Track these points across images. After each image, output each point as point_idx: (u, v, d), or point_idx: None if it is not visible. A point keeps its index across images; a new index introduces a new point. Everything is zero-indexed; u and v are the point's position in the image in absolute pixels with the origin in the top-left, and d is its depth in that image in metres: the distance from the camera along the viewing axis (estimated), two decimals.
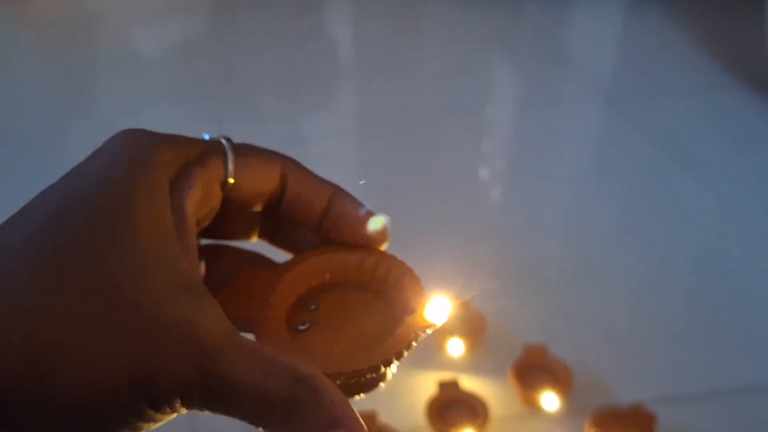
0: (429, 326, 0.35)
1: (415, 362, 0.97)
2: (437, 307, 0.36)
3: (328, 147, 1.47)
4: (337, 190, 0.34)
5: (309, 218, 0.33)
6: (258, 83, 1.72)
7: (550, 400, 0.88)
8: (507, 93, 1.83)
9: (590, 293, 1.11)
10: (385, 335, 0.34)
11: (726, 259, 1.19)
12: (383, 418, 0.85)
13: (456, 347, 0.97)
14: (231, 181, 0.30)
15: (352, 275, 0.34)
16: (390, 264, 0.36)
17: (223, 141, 0.31)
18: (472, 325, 1.00)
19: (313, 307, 0.34)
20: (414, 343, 0.34)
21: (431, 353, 0.99)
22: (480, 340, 0.99)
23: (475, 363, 0.97)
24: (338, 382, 0.30)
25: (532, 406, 0.90)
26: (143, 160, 0.27)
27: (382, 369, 0.34)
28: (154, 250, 0.25)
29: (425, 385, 0.91)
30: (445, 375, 0.92)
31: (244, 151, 0.31)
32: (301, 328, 0.33)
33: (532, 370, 0.94)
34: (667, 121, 1.59)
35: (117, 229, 0.25)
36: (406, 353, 0.34)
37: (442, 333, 0.98)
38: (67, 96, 1.66)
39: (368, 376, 0.33)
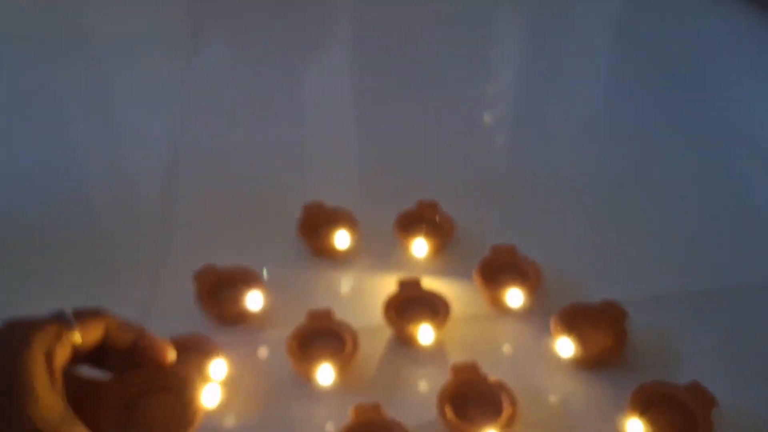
0: (203, 410, 0.53)
1: (377, 264, 0.92)
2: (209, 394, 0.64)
3: (326, 86, 1.42)
4: (142, 331, 0.53)
5: (123, 350, 0.52)
6: (252, 21, 1.65)
7: (515, 298, 0.83)
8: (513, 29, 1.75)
9: (563, 199, 1.07)
10: (176, 419, 0.52)
11: (698, 165, 1.14)
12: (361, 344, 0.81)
13: (420, 248, 0.92)
14: (78, 340, 0.48)
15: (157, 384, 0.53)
16: (176, 371, 0.54)
17: (69, 313, 0.49)
18: (440, 227, 0.95)
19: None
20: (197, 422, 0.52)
21: (396, 255, 0.94)
22: (447, 242, 0.94)
23: (441, 265, 0.93)
24: None
25: (498, 306, 0.85)
26: (23, 342, 0.44)
27: None
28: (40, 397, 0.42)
29: (387, 286, 0.86)
30: (409, 275, 0.87)
31: (79, 317, 0.49)
32: None
33: (499, 269, 0.89)
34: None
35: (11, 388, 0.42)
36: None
37: (408, 235, 0.93)
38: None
39: None
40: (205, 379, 0.73)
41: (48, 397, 0.43)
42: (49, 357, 0.45)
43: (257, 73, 1.46)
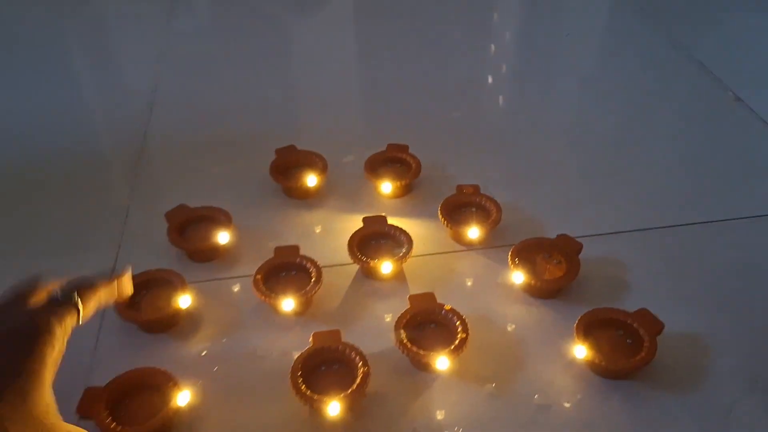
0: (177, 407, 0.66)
1: (347, 205, 0.95)
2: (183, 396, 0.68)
3: (301, 39, 1.43)
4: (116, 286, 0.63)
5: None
6: None
7: (476, 233, 0.86)
8: None
9: (524, 146, 1.10)
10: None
11: (650, 113, 1.17)
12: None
13: (388, 189, 0.95)
14: (79, 323, 0.55)
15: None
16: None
17: (75, 297, 0.56)
18: (407, 169, 0.97)
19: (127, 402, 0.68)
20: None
21: (365, 197, 0.97)
22: (414, 183, 0.97)
23: (407, 205, 0.96)
24: None
25: (460, 241, 0.88)
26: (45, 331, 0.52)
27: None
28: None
29: (354, 225, 0.89)
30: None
31: (82, 296, 0.57)
32: None
33: (462, 207, 0.91)
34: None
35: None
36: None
37: (376, 176, 0.96)
38: None
39: None
40: (175, 308, 0.77)
41: (49, 389, 0.49)
42: (60, 348, 0.51)
43: (236, 27, 1.47)
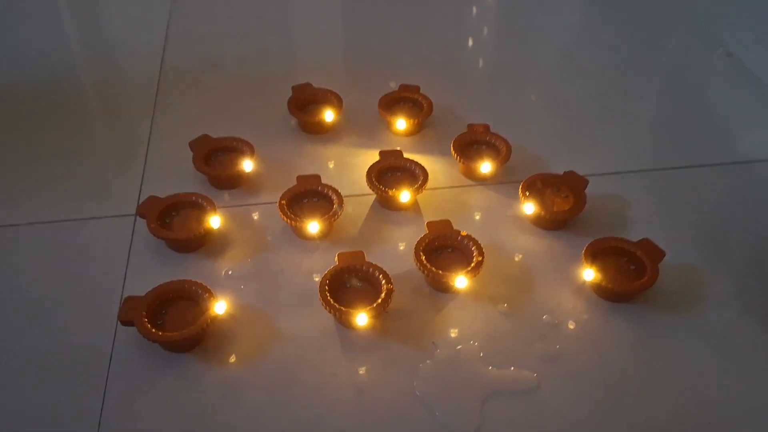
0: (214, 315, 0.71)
1: (362, 141, 0.99)
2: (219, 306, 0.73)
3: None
4: None
5: None
6: None
7: (487, 168, 0.90)
8: None
9: (533, 87, 1.14)
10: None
11: (656, 59, 1.21)
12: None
13: (401, 126, 0.98)
14: None
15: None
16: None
17: None
18: (420, 107, 1.01)
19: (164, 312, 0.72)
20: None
21: (379, 133, 1.00)
22: (426, 121, 1.01)
23: (420, 142, 0.99)
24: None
25: (472, 176, 0.93)
26: None
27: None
28: None
29: (370, 159, 0.92)
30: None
31: None
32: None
33: (473, 144, 0.96)
34: None
35: None
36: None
37: (390, 114, 0.99)
38: None
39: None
40: (205, 228, 0.80)
41: None
42: None
43: None
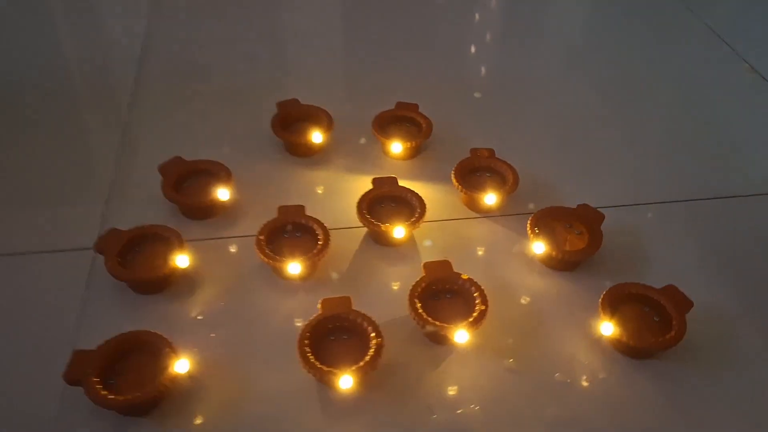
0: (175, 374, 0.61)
1: (353, 165, 0.89)
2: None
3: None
4: None
5: None
6: None
7: (493, 200, 0.81)
8: None
9: (541, 108, 1.04)
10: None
11: (672, 83, 1.12)
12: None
13: (397, 149, 0.89)
14: None
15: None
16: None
17: None
18: (418, 129, 0.92)
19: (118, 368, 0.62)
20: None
21: (372, 156, 0.91)
22: (425, 144, 0.91)
23: (417, 167, 0.90)
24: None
25: (474, 208, 0.83)
26: None
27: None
28: None
29: (362, 186, 0.83)
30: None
31: None
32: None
33: (477, 171, 0.86)
34: None
35: None
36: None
37: (385, 135, 0.90)
38: None
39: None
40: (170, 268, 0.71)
41: None
42: None
43: None
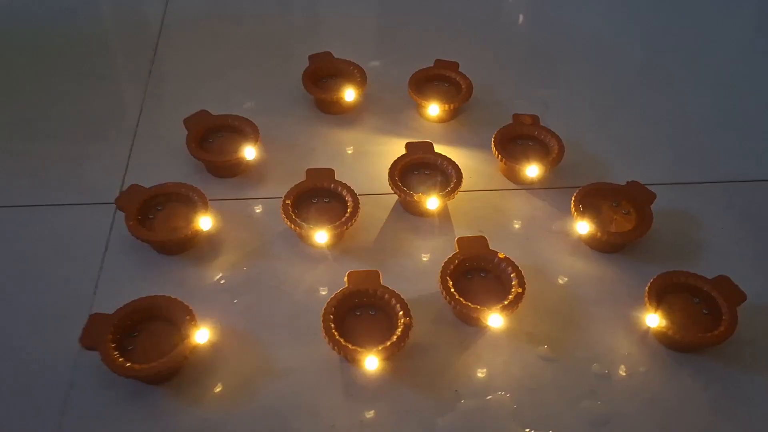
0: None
1: (386, 126, 0.85)
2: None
3: None
4: None
5: None
6: None
7: (535, 172, 0.76)
8: None
9: (589, 73, 0.97)
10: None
11: (723, 61, 1.03)
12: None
13: (435, 111, 0.84)
14: None
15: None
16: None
17: None
18: (458, 90, 0.86)
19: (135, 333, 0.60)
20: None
21: (407, 118, 0.86)
22: (464, 107, 0.86)
23: (455, 131, 0.85)
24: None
25: (515, 179, 0.78)
26: None
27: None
28: None
29: (395, 150, 0.79)
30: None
31: None
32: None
33: (518, 140, 0.81)
34: None
35: None
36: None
37: (422, 96, 0.85)
38: None
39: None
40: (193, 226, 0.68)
41: None
42: None
43: None
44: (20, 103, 0.85)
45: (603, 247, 0.71)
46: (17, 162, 0.78)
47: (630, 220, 0.71)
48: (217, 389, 0.59)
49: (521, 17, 1.10)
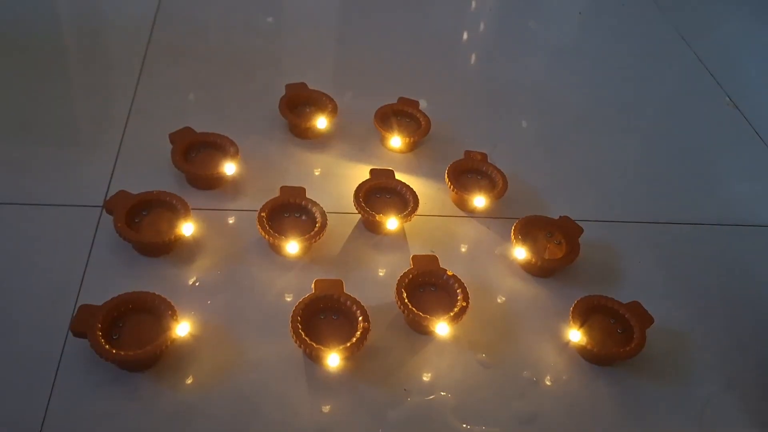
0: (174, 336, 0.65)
1: (353, 153, 0.94)
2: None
3: None
4: None
5: None
6: None
7: (482, 203, 0.86)
8: None
9: (536, 119, 1.09)
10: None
11: (659, 110, 1.18)
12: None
13: (396, 143, 0.93)
14: None
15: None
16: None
17: None
18: (417, 125, 0.96)
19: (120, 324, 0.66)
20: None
21: (372, 147, 0.95)
22: (423, 141, 0.96)
23: (413, 162, 0.95)
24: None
25: (464, 208, 0.88)
26: None
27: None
28: None
29: (360, 174, 0.88)
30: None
31: None
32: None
33: (468, 173, 0.91)
34: None
35: None
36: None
37: (386, 127, 0.94)
38: None
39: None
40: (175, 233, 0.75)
41: None
42: None
43: None
44: (10, 109, 0.90)
45: (537, 271, 0.81)
46: (13, 158, 0.83)
47: (561, 249, 0.82)
48: (192, 378, 0.66)
49: (478, 65, 1.21)
